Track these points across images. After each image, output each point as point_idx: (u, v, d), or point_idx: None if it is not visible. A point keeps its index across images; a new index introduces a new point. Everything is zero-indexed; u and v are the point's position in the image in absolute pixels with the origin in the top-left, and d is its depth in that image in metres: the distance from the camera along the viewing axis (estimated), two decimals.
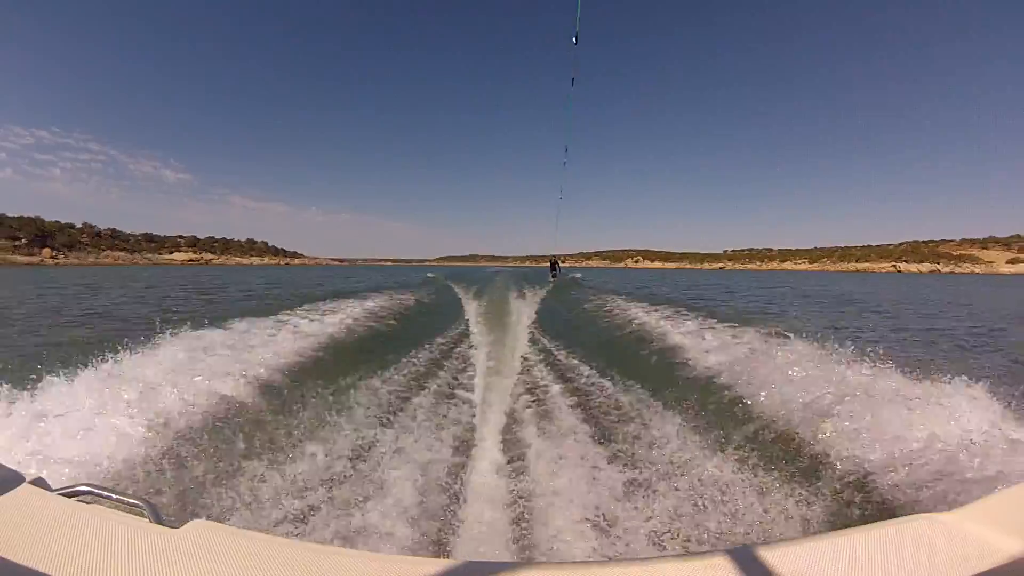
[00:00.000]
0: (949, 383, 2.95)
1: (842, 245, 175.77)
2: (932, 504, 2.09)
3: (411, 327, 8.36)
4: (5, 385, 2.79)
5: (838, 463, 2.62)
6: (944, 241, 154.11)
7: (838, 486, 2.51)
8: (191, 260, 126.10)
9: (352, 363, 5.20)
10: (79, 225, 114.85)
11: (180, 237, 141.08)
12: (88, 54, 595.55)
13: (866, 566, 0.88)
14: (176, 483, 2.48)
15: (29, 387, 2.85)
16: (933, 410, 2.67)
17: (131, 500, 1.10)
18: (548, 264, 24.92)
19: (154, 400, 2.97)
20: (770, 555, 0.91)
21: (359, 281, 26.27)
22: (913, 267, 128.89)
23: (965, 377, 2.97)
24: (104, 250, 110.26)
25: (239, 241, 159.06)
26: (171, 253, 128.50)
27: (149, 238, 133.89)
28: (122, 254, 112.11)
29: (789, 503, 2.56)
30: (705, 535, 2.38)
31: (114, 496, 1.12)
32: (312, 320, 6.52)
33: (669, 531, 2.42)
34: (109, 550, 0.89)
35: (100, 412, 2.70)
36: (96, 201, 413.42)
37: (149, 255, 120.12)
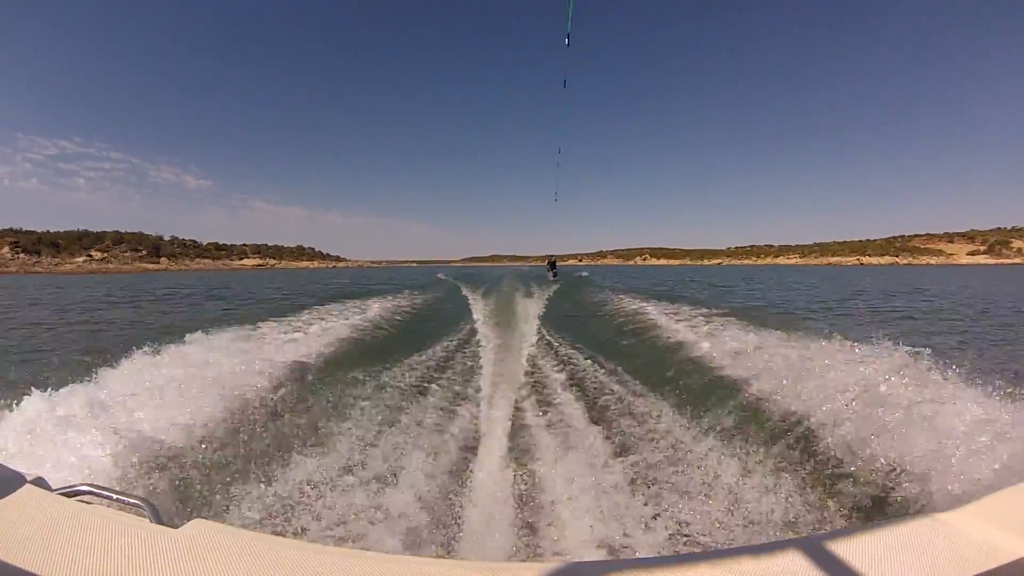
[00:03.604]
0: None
1: (839, 240, 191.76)
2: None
3: (418, 327, 8.73)
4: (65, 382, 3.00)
5: (850, 464, 2.59)
6: (917, 236, 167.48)
7: (851, 487, 2.48)
8: (259, 265, 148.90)
9: (358, 363, 5.31)
10: (167, 238, 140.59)
11: (245, 245, 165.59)
12: (108, 64, 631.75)
13: (867, 566, 0.89)
14: (177, 483, 2.45)
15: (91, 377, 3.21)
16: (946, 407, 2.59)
17: (131, 500, 1.12)
18: (548, 264, 26.21)
19: (156, 399, 2.96)
20: (771, 555, 0.93)
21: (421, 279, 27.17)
22: (874, 260, 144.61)
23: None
24: (195, 258, 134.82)
25: (290, 247, 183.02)
26: (240, 259, 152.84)
27: (217, 246, 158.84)
28: (208, 261, 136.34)
29: (799, 504, 2.53)
30: (710, 536, 2.39)
31: (114, 496, 1.14)
32: (319, 321, 6.68)
33: (674, 531, 2.43)
34: (109, 550, 0.90)
35: (104, 411, 2.71)
36: (119, 208, 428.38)
37: (227, 261, 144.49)
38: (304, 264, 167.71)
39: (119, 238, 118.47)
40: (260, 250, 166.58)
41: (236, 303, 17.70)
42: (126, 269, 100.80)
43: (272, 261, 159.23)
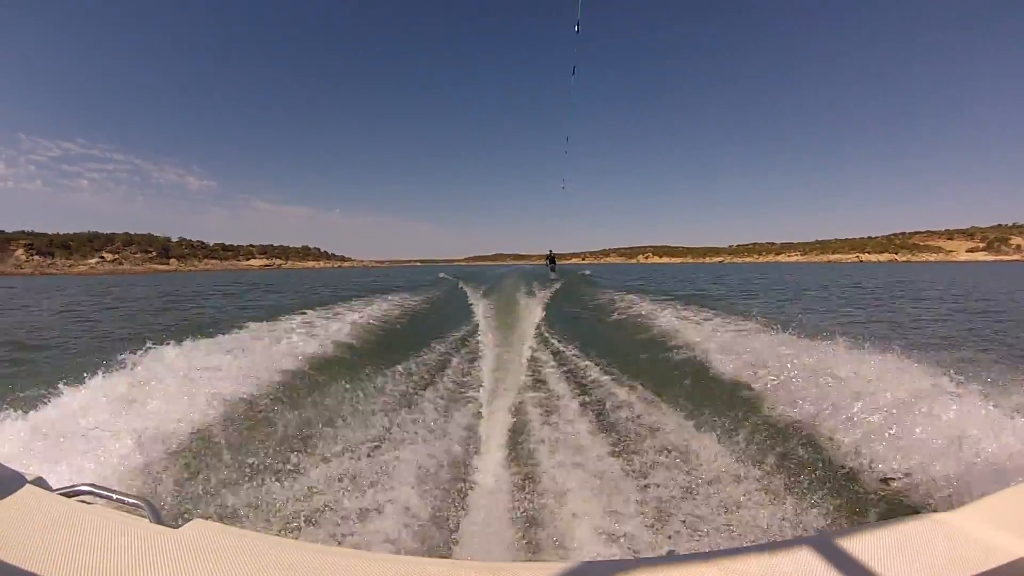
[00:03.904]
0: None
1: (840, 238, 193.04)
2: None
3: (419, 326, 8.71)
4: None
5: (852, 462, 2.63)
6: (917, 233, 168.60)
7: (854, 487, 2.50)
8: (266, 265, 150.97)
9: (359, 364, 5.34)
10: (175, 239, 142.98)
11: (252, 246, 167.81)
12: (111, 65, 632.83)
13: (867, 566, 0.89)
14: (177, 483, 2.46)
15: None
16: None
17: (131, 500, 1.12)
18: (547, 259, 25.91)
19: (158, 400, 3.03)
20: (771, 555, 0.93)
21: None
22: (873, 257, 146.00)
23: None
24: (203, 258, 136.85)
25: (296, 248, 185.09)
26: (247, 260, 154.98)
27: (224, 247, 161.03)
28: (215, 261, 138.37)
29: (801, 505, 2.56)
30: (711, 536, 2.40)
31: (114, 496, 1.14)
32: (320, 322, 6.73)
33: (675, 532, 2.43)
34: (109, 550, 0.91)
35: (109, 412, 2.80)
36: (123, 209, 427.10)
37: (234, 261, 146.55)
38: (310, 264, 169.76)
39: (129, 240, 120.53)
40: (266, 250, 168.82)
41: (302, 296, 19.76)
42: (138, 270, 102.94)
43: (279, 261, 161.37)
